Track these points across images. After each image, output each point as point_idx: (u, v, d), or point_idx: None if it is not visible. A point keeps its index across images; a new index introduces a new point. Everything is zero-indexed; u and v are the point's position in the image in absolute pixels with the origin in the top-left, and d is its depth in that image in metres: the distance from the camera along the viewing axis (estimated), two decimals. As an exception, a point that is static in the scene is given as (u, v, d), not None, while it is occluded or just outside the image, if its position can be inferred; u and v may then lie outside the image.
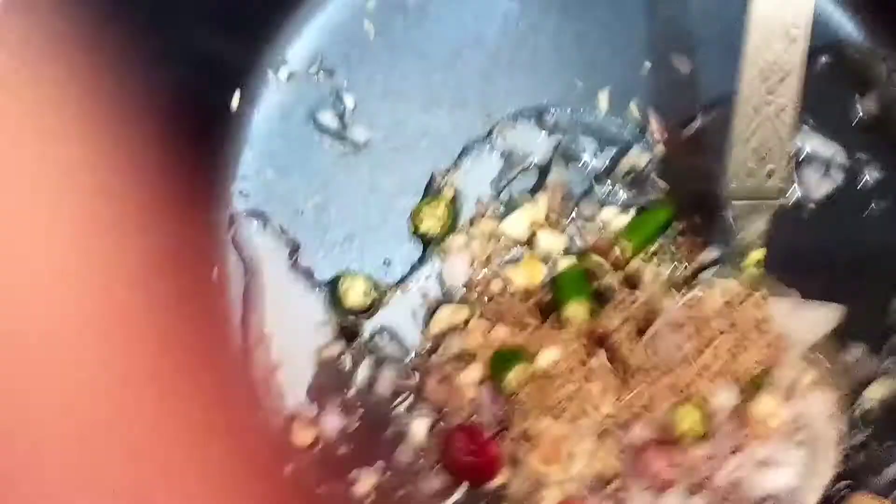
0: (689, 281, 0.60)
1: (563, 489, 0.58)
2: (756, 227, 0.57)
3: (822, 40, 0.63)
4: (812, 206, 0.63)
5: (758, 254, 0.58)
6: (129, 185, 0.51)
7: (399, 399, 0.60)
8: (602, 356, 0.58)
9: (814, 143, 0.63)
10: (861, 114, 0.64)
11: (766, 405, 0.57)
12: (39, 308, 0.43)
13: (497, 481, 0.59)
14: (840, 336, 0.60)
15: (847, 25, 0.64)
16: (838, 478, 0.59)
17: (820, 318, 0.59)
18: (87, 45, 0.48)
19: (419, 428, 0.60)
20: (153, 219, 0.53)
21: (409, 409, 0.60)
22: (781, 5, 0.51)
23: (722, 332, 0.58)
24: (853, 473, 0.60)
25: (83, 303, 0.48)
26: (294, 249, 0.61)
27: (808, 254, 0.62)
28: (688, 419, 0.56)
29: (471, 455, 0.58)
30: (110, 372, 0.48)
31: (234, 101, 0.61)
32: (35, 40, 0.45)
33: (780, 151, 0.55)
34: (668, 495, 0.57)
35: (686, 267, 0.61)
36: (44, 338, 0.42)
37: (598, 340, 0.59)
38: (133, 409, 0.49)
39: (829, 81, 0.64)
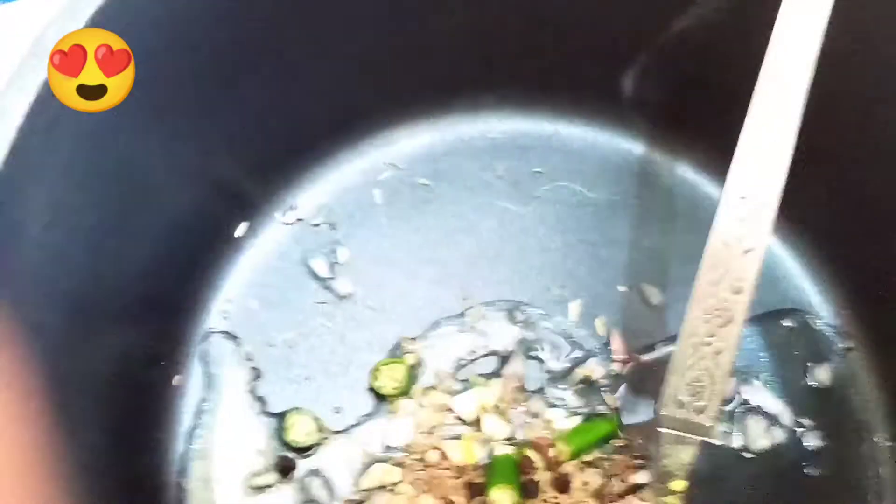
0: (614, 498, 0.62)
1: None
2: (680, 457, 0.60)
3: (789, 304, 0.68)
4: (750, 456, 0.65)
5: (679, 485, 0.60)
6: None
7: (317, 544, 0.62)
8: (516, 550, 0.60)
9: (762, 398, 0.66)
10: (812, 382, 0.67)
11: None
12: None
13: None
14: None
15: (814, 297, 0.69)
16: None
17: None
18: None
19: (330, 577, 0.61)
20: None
21: (325, 556, 0.62)
22: (729, 259, 0.55)
23: (640, 556, 0.59)
24: None
25: None
26: (255, 377, 0.64)
27: (734, 497, 0.64)
28: None
29: None
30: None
31: (240, 231, 0.66)
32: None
33: (711, 391, 0.58)
34: None
35: (615, 484, 0.63)
36: None
37: (515, 533, 0.60)
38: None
39: (787, 344, 0.68)
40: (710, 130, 0.64)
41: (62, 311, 0.53)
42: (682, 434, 0.59)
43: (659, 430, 0.59)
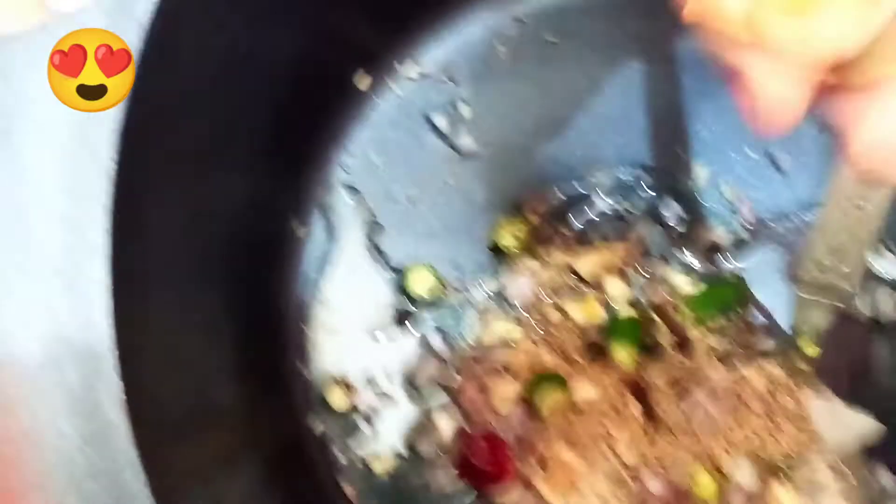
0: (736, 355, 0.61)
1: (566, 522, 0.59)
2: (815, 322, 0.58)
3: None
4: (879, 326, 0.63)
5: (810, 349, 0.59)
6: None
7: (434, 395, 0.62)
8: (637, 407, 0.59)
9: (892, 268, 0.64)
10: (944, 255, 0.64)
11: (784, 498, 0.57)
12: None
13: (504, 497, 0.60)
14: (873, 458, 0.60)
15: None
16: None
17: (856, 429, 0.59)
18: None
19: (446, 426, 0.61)
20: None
21: (440, 407, 0.62)
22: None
23: (757, 415, 0.58)
24: None
25: None
26: (377, 231, 0.64)
27: (864, 368, 0.62)
28: (703, 486, 0.57)
29: (488, 464, 0.59)
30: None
31: (364, 84, 0.65)
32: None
33: (857, 256, 0.56)
34: (667, 556, 0.58)
35: (740, 349, 0.62)
36: None
37: (637, 392, 0.60)
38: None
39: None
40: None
41: (194, 155, 0.53)
42: (820, 299, 0.58)
43: (797, 293, 0.58)
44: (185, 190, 0.53)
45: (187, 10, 0.46)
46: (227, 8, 0.50)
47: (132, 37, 0.43)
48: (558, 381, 0.60)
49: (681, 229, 0.65)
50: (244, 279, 0.60)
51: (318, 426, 0.62)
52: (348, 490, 0.61)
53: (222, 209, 0.58)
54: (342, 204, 0.65)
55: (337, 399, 0.62)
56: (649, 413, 0.59)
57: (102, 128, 0.43)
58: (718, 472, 0.57)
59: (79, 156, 0.43)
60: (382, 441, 0.62)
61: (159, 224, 0.50)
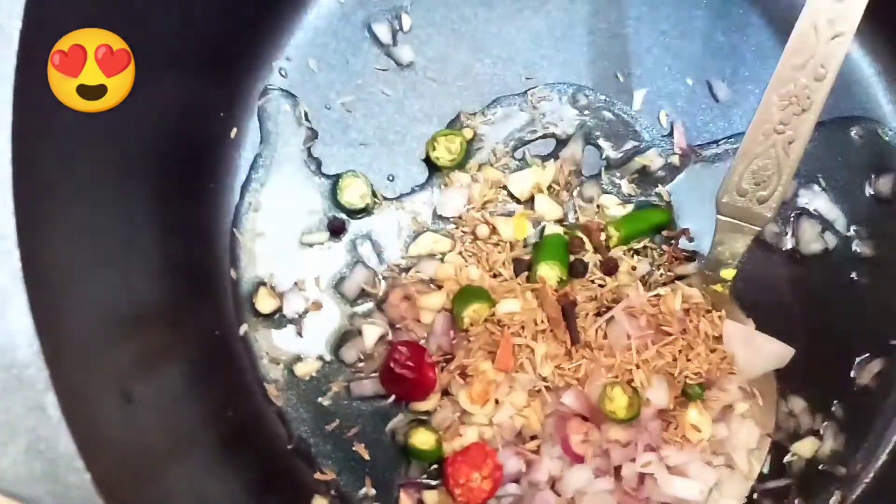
0: (658, 286, 0.63)
1: (481, 432, 0.60)
2: (734, 246, 0.60)
3: (858, 112, 0.66)
4: (798, 257, 0.65)
5: (728, 273, 0.60)
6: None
7: (362, 301, 0.63)
8: (557, 322, 0.60)
9: (819, 203, 0.65)
10: (872, 192, 0.66)
11: (694, 417, 0.59)
12: None
13: (425, 405, 0.61)
14: (784, 383, 0.62)
15: (886, 107, 0.67)
16: (743, 512, 0.61)
17: (769, 354, 0.60)
18: None
19: (370, 333, 0.62)
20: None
21: (366, 314, 0.63)
22: (816, 44, 0.53)
23: (673, 336, 0.60)
24: (760, 514, 0.62)
25: None
26: (311, 137, 0.64)
27: (779, 296, 0.64)
28: (615, 401, 0.58)
29: (408, 370, 0.60)
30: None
31: (305, -9, 0.64)
32: None
33: (776, 181, 0.57)
34: (575, 469, 0.59)
35: (661, 272, 0.63)
36: None
37: (559, 307, 0.61)
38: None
39: (851, 152, 0.66)
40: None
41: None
42: (739, 222, 0.59)
43: (717, 216, 0.59)
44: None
45: None
46: None
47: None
48: (482, 294, 0.61)
49: (613, 152, 0.65)
50: (174, 177, 0.60)
51: (243, 329, 0.62)
52: (270, 390, 0.62)
53: (155, 110, 0.57)
54: (277, 108, 0.64)
55: (263, 302, 0.62)
56: (570, 332, 0.60)
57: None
58: (632, 389, 0.59)
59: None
60: (306, 345, 0.63)
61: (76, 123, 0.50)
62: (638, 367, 0.59)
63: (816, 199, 0.66)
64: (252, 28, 0.63)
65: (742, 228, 0.59)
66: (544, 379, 0.60)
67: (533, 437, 0.61)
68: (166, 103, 0.58)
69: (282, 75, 0.65)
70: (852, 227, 0.65)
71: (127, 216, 0.56)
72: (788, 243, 0.65)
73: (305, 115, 0.64)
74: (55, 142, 0.47)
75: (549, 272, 0.61)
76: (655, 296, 0.60)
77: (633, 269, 0.63)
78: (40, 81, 0.46)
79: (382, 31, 0.65)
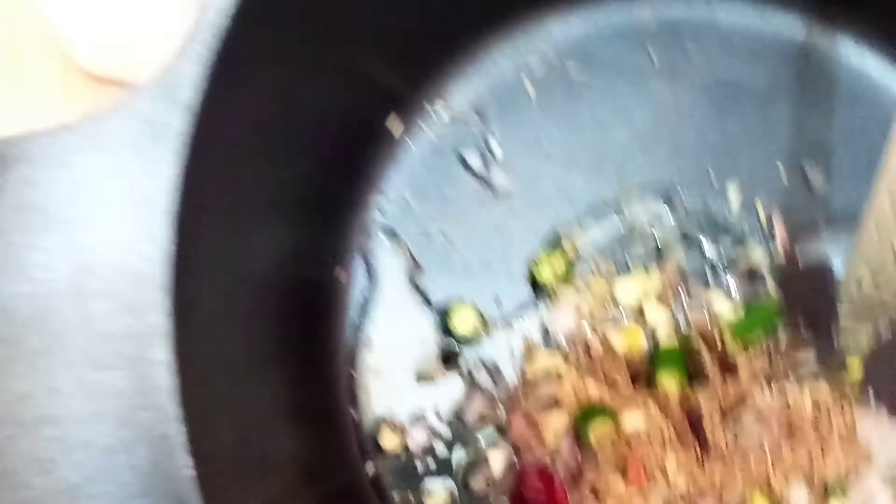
0: (783, 377, 0.62)
1: (620, 551, 0.60)
2: (860, 342, 0.59)
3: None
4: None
5: (855, 362, 0.60)
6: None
7: (485, 428, 0.63)
8: (687, 433, 0.60)
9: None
10: None
11: (838, 516, 0.58)
12: None
13: (560, 529, 0.61)
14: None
15: None
16: None
17: (908, 440, 0.59)
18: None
19: (496, 460, 0.62)
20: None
21: (492, 443, 0.63)
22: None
23: (807, 436, 0.59)
24: None
25: None
26: (415, 270, 0.65)
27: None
28: None
29: (541, 495, 0.60)
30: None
31: (396, 129, 0.66)
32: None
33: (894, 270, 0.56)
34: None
35: (782, 363, 0.63)
36: None
37: (684, 415, 0.61)
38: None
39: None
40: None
41: (242, 210, 0.54)
42: (863, 319, 0.58)
43: (840, 313, 0.58)
44: (235, 245, 0.54)
45: (229, 92, 0.47)
46: (266, 70, 0.51)
47: (178, 122, 0.45)
48: (606, 411, 0.60)
49: (717, 253, 0.65)
50: (291, 327, 0.61)
51: (371, 468, 0.63)
52: (405, 529, 0.62)
53: (269, 260, 0.59)
54: (381, 247, 0.66)
55: (388, 440, 0.63)
56: (699, 439, 0.60)
57: (157, 209, 0.44)
58: (772, 494, 0.58)
59: (135, 239, 0.44)
60: (436, 480, 0.63)
61: (212, 282, 0.51)
62: (774, 469, 0.58)
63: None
64: (350, 172, 0.65)
65: (868, 324, 0.58)
66: (679, 490, 0.59)
67: (674, 552, 0.60)
68: (280, 258, 0.60)
69: (382, 215, 0.66)
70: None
71: (251, 366, 0.57)
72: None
73: (409, 250, 0.65)
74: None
75: (671, 384, 0.61)
76: (782, 394, 0.60)
77: (757, 371, 0.62)
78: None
79: (475, 160, 0.67)
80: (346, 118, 0.63)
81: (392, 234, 0.66)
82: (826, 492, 0.58)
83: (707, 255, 0.65)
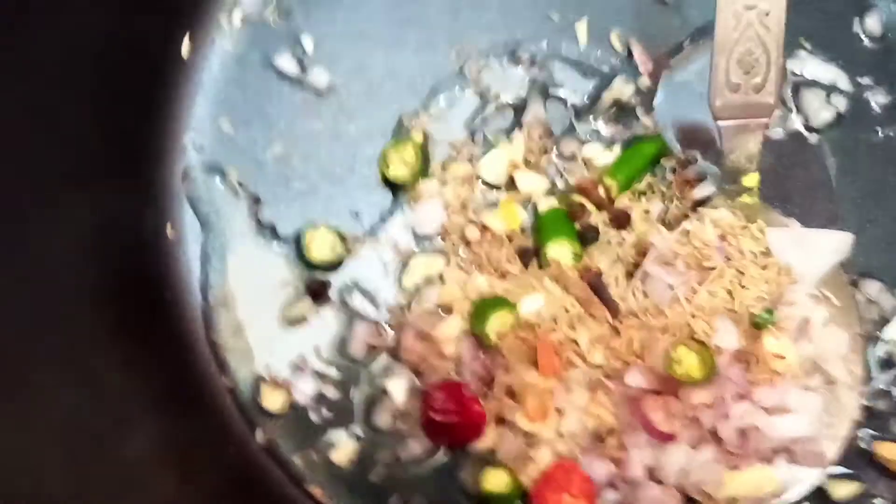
0: (680, 220, 0.55)
1: (554, 449, 0.53)
2: (746, 148, 0.52)
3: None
4: (813, 134, 0.57)
5: (751, 179, 0.53)
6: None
7: (375, 358, 0.56)
8: (590, 301, 0.53)
9: (812, 68, 0.58)
10: (863, 36, 0.58)
11: (773, 346, 0.52)
12: None
13: (483, 443, 0.54)
14: (850, 271, 0.55)
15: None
16: (859, 425, 0.54)
17: (826, 248, 0.54)
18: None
19: (396, 389, 0.55)
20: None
21: (385, 369, 0.55)
22: None
23: (718, 268, 0.52)
24: (877, 421, 0.55)
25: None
26: (255, 204, 0.57)
27: (809, 183, 0.57)
28: (684, 363, 0.51)
29: (452, 414, 0.53)
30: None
31: (185, 49, 0.57)
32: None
33: (766, 61, 0.50)
34: (670, 449, 0.52)
35: (678, 204, 0.56)
36: None
37: (586, 285, 0.54)
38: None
39: (828, 1, 0.59)
40: None
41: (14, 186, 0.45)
42: (742, 122, 0.52)
43: (718, 123, 0.52)
44: (21, 233, 0.45)
45: None
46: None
47: None
48: (499, 301, 0.53)
49: (577, 98, 0.58)
50: (125, 305, 0.53)
51: (260, 436, 0.55)
52: (315, 492, 0.55)
53: (77, 241, 0.50)
54: (208, 189, 0.57)
55: (271, 400, 0.55)
56: (608, 306, 0.53)
57: None
58: (698, 343, 0.51)
59: None
60: (336, 430, 0.55)
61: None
62: (694, 316, 0.52)
63: (808, 64, 0.58)
64: (146, 111, 0.56)
65: (748, 127, 0.52)
66: (599, 367, 0.53)
67: (611, 433, 0.53)
68: (82, 228, 0.51)
69: (198, 151, 0.57)
70: (857, 80, 0.58)
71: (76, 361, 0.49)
72: (797, 122, 0.58)
73: (239, 182, 0.57)
74: None
75: (561, 251, 0.54)
76: (683, 233, 0.53)
77: (647, 212, 0.56)
78: None
79: (287, 63, 0.58)
80: (128, 52, 0.54)
81: (217, 171, 0.57)
82: (753, 325, 0.52)
83: (570, 104, 0.58)
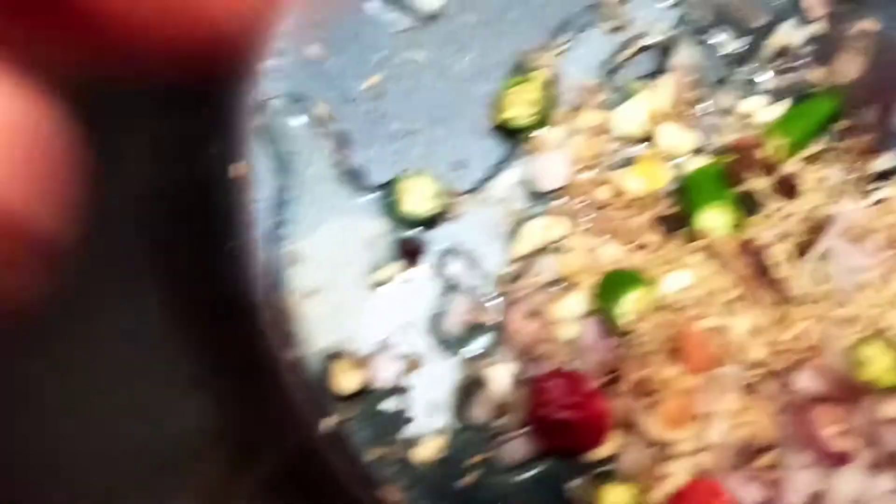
0: (862, 188, 0.45)
1: (695, 463, 0.43)
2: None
3: None
4: None
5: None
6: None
7: (474, 339, 0.45)
8: (751, 282, 0.43)
9: None
10: None
11: None
12: None
13: (603, 450, 0.44)
14: None
15: None
16: None
17: None
18: None
19: (500, 377, 0.45)
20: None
21: (487, 352, 0.45)
22: None
23: (916, 249, 0.42)
24: None
25: None
26: (342, 144, 0.47)
27: None
28: (875, 364, 0.41)
29: (569, 410, 0.43)
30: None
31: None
32: None
33: None
34: (843, 472, 0.42)
35: (858, 173, 0.46)
36: None
37: (746, 262, 0.44)
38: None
39: None
40: None
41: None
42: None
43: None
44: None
45: None
46: None
47: None
48: (634, 277, 0.43)
49: (736, 42, 0.48)
50: (177, 252, 0.44)
51: (328, 424, 0.45)
52: (389, 496, 0.44)
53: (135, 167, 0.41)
54: (288, 124, 0.48)
55: (344, 379, 0.45)
56: (769, 285, 0.43)
57: None
58: (887, 336, 0.41)
59: None
60: (419, 420, 0.45)
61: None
62: (888, 306, 0.41)
63: None
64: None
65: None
66: (759, 365, 0.42)
67: (766, 449, 0.43)
68: (135, 155, 0.42)
69: (280, 76, 0.48)
70: None
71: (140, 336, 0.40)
72: None
73: (326, 116, 0.47)
74: None
75: (715, 217, 0.44)
76: (877, 203, 0.43)
77: (820, 180, 0.45)
78: None
79: (386, -19, 0.48)
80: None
81: (300, 104, 0.48)
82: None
83: (725, 51, 0.48)
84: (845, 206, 0.43)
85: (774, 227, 0.44)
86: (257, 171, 0.47)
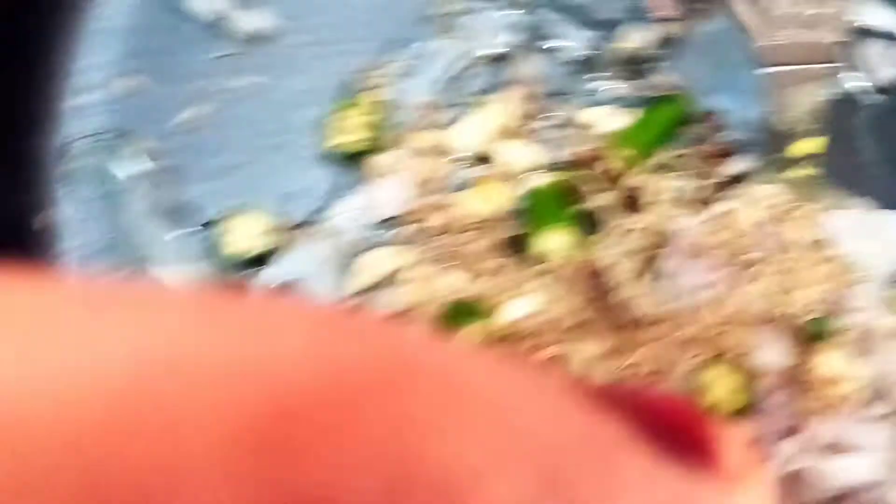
0: (712, 200, 0.43)
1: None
2: (801, 103, 0.40)
3: None
4: (880, 93, 0.46)
5: (809, 144, 0.41)
6: None
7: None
8: (595, 304, 0.41)
9: (875, 15, 0.46)
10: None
11: (831, 363, 0.41)
12: None
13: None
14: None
15: None
16: (939, 467, 0.42)
17: (901, 235, 0.42)
18: None
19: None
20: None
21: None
22: None
23: (761, 263, 0.41)
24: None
25: None
26: (164, 182, 0.44)
27: (878, 154, 0.45)
28: (721, 386, 0.40)
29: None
30: None
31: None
32: None
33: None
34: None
35: (705, 182, 0.44)
36: None
37: (589, 284, 0.42)
38: None
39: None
40: None
41: None
42: (794, 67, 0.40)
43: (760, 72, 0.40)
44: None
45: None
46: None
47: None
48: (470, 307, 0.41)
49: (579, 51, 0.46)
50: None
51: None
52: None
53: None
54: (99, 161, 0.44)
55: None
56: (613, 306, 0.41)
57: None
58: (732, 356, 0.40)
59: None
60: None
61: None
62: (728, 325, 0.40)
63: (870, 11, 0.47)
64: (20, 61, 0.43)
65: (802, 74, 0.40)
66: (604, 390, 0.41)
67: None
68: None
69: (84, 114, 0.44)
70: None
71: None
72: (859, 81, 0.46)
73: (139, 155, 0.44)
74: None
75: (556, 238, 0.42)
76: (716, 216, 0.41)
77: (667, 192, 0.44)
78: None
79: (200, 4, 0.45)
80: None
81: (110, 141, 0.45)
82: (811, 337, 0.40)
83: (566, 59, 0.46)
84: (685, 220, 0.41)
85: (615, 245, 0.42)
86: (71, 218, 0.44)
